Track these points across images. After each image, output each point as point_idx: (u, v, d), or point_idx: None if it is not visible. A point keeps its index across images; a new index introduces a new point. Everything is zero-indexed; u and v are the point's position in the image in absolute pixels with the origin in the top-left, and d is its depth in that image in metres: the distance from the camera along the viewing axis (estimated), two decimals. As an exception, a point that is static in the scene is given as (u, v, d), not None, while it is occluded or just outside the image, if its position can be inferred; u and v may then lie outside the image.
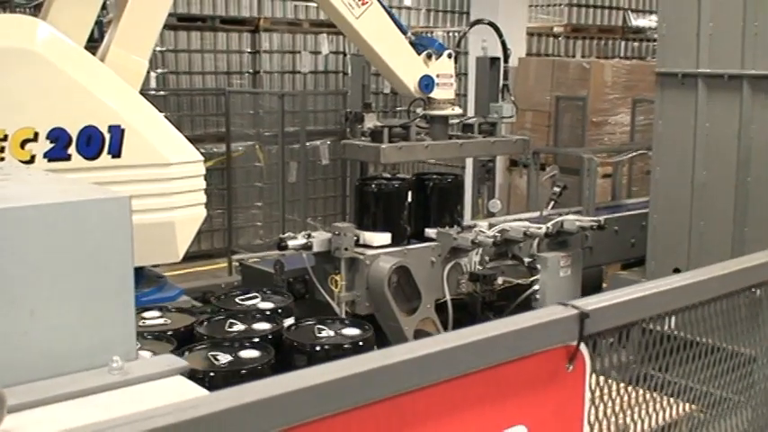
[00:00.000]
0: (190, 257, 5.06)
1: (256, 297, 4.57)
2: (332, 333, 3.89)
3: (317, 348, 3.74)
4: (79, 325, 2.10)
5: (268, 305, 4.48)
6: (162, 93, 11.19)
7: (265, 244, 11.27)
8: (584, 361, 2.18)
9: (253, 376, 3.47)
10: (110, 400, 2.03)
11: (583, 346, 2.16)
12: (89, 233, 2.23)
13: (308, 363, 3.53)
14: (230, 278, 8.04)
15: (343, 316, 5.39)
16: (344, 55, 12.84)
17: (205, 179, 4.95)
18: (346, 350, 3.69)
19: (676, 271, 5.95)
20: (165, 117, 11.08)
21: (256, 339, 3.87)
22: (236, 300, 4.57)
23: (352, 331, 3.90)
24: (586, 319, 2.14)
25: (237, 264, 7.54)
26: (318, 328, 3.97)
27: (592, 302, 2.19)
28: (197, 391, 2.12)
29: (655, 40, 14.43)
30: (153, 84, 10.99)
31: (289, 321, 4.22)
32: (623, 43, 14.24)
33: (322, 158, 11.72)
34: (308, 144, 10.61)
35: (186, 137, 4.96)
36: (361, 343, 3.72)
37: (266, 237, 11.55)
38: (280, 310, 4.36)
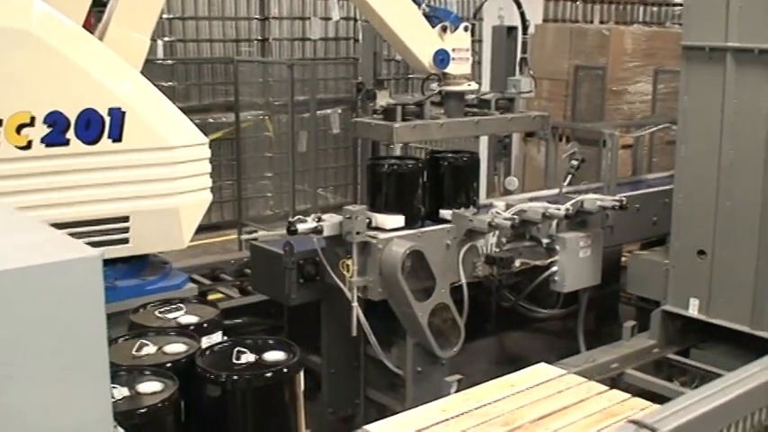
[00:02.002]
0: (199, 230, 4.87)
1: (180, 309, 4.01)
2: (252, 358, 3.36)
3: (235, 378, 3.19)
4: (45, 408, 1.81)
5: (191, 319, 3.91)
6: (169, 61, 10.96)
7: (275, 215, 11.11)
8: None
9: (150, 416, 2.98)
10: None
11: None
12: (55, 300, 1.93)
13: (221, 394, 3.04)
14: (240, 254, 7.86)
15: (354, 301, 5.22)
16: (355, 21, 12.55)
17: (214, 150, 4.75)
18: (266, 379, 3.18)
19: (701, 253, 5.74)
20: (173, 86, 10.85)
21: (167, 365, 3.34)
22: (156, 313, 4.00)
23: (276, 356, 3.37)
24: None
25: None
26: (238, 352, 3.43)
27: (668, 421, 1.96)
28: None
29: (674, 5, 14.10)
30: (160, 52, 10.75)
31: (213, 339, 3.69)
32: (641, 8, 13.88)
33: (333, 127, 11.49)
34: (318, 113, 10.36)
35: (194, 106, 4.77)
36: (285, 370, 3.22)
37: (276, 208, 11.38)
38: (205, 325, 3.78)
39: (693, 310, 5.82)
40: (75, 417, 1.93)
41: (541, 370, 4.34)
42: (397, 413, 4.02)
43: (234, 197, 10.70)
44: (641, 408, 3.80)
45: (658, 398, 5.53)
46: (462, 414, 3.78)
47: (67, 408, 1.93)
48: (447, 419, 3.71)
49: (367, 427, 3.60)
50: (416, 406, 4.01)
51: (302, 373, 3.23)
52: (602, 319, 7.62)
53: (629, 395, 3.99)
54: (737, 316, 5.59)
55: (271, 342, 3.52)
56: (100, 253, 2.00)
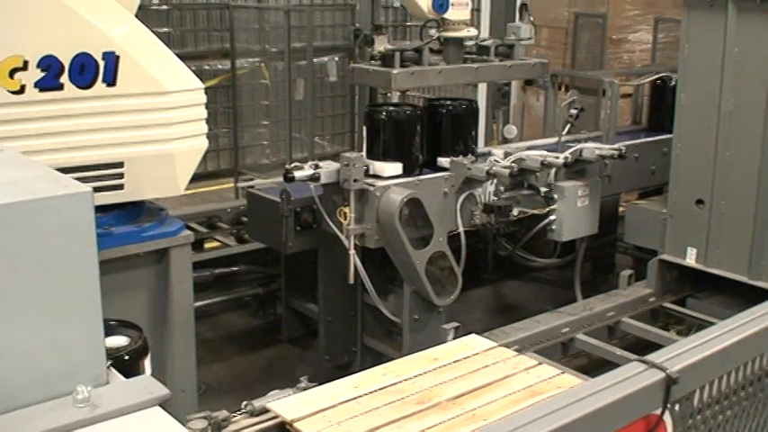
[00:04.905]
0: (195, 178, 4.82)
1: None
2: None
3: None
4: (36, 347, 1.75)
5: None
6: (164, 7, 10.80)
7: (272, 163, 11.05)
8: (667, 431, 1.93)
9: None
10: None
11: (667, 416, 1.91)
12: (45, 237, 1.87)
13: None
14: (237, 202, 7.84)
15: (351, 249, 5.21)
16: (353, -34, 12.37)
17: (210, 98, 4.66)
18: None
19: (699, 202, 5.72)
20: (168, 32, 10.67)
21: None
22: None
23: (117, 341, 3.00)
24: (674, 385, 1.87)
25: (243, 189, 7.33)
26: None
27: (678, 360, 1.91)
28: (175, 429, 1.77)
29: (676, -49, 13.88)
30: (155, -3, 10.60)
31: None
32: (643, -46, 13.68)
33: (330, 75, 11.34)
34: (315, 60, 10.26)
35: (189, 53, 4.69)
36: (126, 357, 2.85)
37: (273, 156, 11.31)
38: None
39: (691, 259, 5.82)
40: (68, 356, 1.89)
41: (470, 342, 4.09)
42: (394, 360, 4.00)
43: (230, 145, 10.63)
44: (570, 385, 3.56)
45: (654, 346, 5.56)
46: (376, 391, 3.54)
47: (60, 346, 1.88)
48: (359, 396, 3.49)
49: (270, 404, 3.43)
50: (413, 353, 3.99)
51: (148, 360, 2.87)
52: (599, 269, 7.63)
53: (558, 371, 3.76)
54: (735, 266, 5.59)
55: (113, 324, 3.13)
56: (90, 189, 1.93)
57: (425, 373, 3.71)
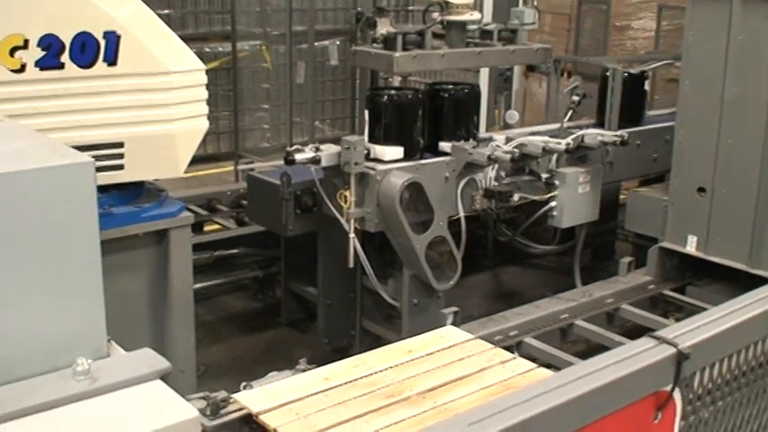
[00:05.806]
0: (195, 161, 4.79)
1: None
2: None
3: None
4: (37, 318, 1.74)
5: None
6: (165, -11, 10.75)
7: (272, 147, 11.03)
8: (676, 408, 1.89)
9: None
10: (73, 419, 1.65)
11: (677, 392, 1.87)
12: (47, 207, 1.84)
13: None
14: (237, 185, 7.82)
15: (351, 232, 5.21)
16: (356, -51, 12.30)
17: (210, 81, 4.64)
18: None
19: (701, 190, 5.71)
20: (168, 15, 10.61)
21: None
22: None
23: None
24: (685, 361, 1.83)
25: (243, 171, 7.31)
26: None
27: (689, 336, 1.88)
28: (176, 402, 1.75)
29: (680, -61, 13.81)
30: (156, -22, 10.52)
31: None
32: (647, -59, 13.63)
33: (331, 59, 11.33)
34: (316, 44, 10.22)
35: (190, 35, 4.64)
36: None
37: (273, 140, 11.28)
38: None
39: (691, 247, 5.81)
40: (68, 327, 1.87)
41: (446, 334, 3.99)
42: (393, 343, 3.99)
43: (230, 128, 10.60)
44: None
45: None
46: (346, 383, 3.42)
47: (60, 318, 1.87)
48: (328, 389, 3.38)
49: (237, 395, 3.31)
50: (413, 336, 3.97)
51: None
52: (599, 256, 7.63)
53: (533, 365, 3.61)
54: (735, 254, 5.58)
55: None
56: (91, 159, 1.91)
57: (398, 365, 3.61)
